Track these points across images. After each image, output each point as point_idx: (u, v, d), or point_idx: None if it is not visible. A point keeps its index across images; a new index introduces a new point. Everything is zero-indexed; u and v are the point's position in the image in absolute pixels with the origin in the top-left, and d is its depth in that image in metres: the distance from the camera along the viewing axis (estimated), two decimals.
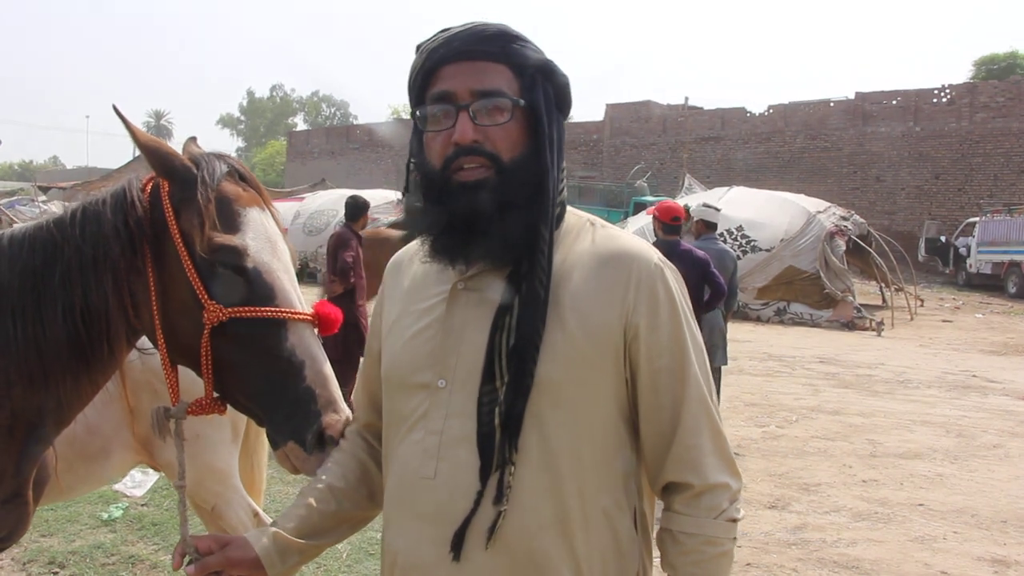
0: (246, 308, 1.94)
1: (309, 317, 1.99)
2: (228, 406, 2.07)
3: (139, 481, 6.52)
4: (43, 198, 34.28)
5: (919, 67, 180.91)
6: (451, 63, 1.68)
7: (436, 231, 1.70)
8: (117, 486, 6.40)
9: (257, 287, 1.97)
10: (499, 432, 1.59)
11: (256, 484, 4.11)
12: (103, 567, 5.18)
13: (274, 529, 1.83)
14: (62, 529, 5.67)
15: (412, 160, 1.78)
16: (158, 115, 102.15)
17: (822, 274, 19.06)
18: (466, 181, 1.64)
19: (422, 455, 1.67)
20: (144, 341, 2.21)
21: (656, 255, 1.71)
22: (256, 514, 3.78)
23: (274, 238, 2.07)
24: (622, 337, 1.64)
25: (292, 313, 1.97)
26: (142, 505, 6.25)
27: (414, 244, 1.86)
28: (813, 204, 21.16)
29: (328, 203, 27.34)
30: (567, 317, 1.62)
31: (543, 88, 1.70)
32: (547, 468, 1.60)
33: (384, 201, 23.61)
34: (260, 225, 2.05)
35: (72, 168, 66.92)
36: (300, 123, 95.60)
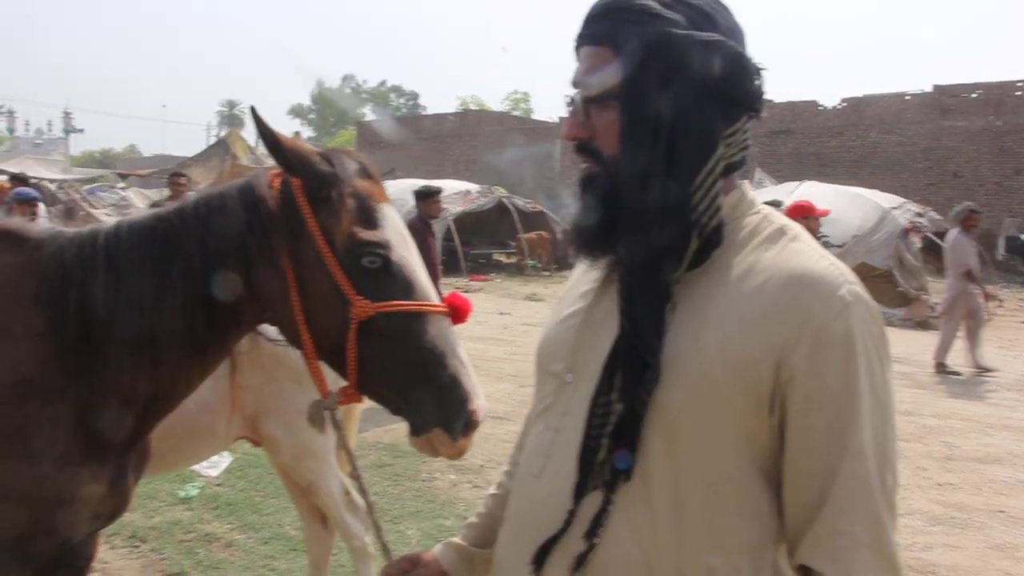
0: (391, 303, 1.99)
1: (446, 309, 2.04)
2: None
3: (214, 461, 6.67)
4: (122, 185, 35.17)
5: (1001, 59, 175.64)
6: (580, 47, 1.53)
7: (577, 222, 1.56)
8: (193, 466, 6.55)
9: (399, 281, 2.03)
10: (604, 451, 1.41)
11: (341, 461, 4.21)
12: (181, 543, 5.33)
13: (457, 541, 1.86)
14: (142, 505, 5.82)
15: None
16: (231, 104, 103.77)
17: (896, 272, 18.63)
18: (582, 175, 1.55)
19: (536, 450, 1.56)
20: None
21: (848, 286, 1.39)
22: (347, 492, 3.87)
23: (405, 232, 2.12)
24: (772, 376, 1.35)
25: (432, 306, 2.02)
26: (217, 485, 6.40)
27: None
28: (887, 200, 20.71)
29: (398, 193, 27.31)
30: (708, 337, 1.38)
31: (656, 70, 1.42)
32: (645, 502, 1.40)
33: (453, 191, 23.71)
34: (395, 220, 2.11)
35: (149, 156, 68.53)
36: (369, 113, 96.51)
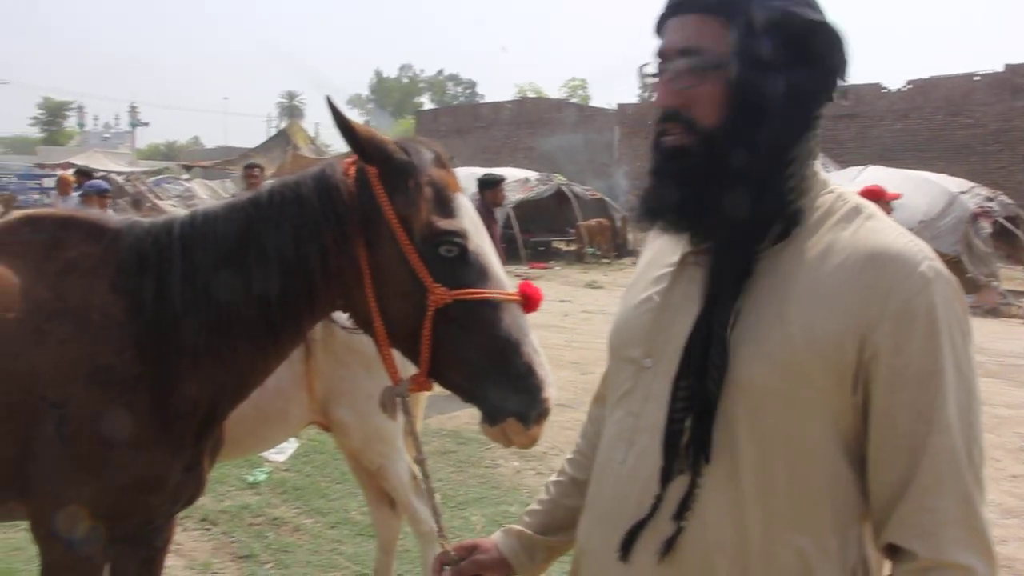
0: (468, 291, 2.01)
1: (519, 297, 2.05)
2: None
3: (281, 447, 6.77)
4: (186, 176, 35.87)
5: None
6: (672, 16, 1.51)
7: (652, 195, 1.55)
8: (260, 452, 6.67)
9: (475, 269, 2.04)
10: (687, 434, 1.41)
11: (409, 446, 4.25)
12: (250, 527, 5.43)
13: (518, 528, 1.86)
14: (212, 489, 5.92)
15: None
16: (291, 95, 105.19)
17: (964, 258, 18.17)
18: (667, 147, 1.49)
19: (617, 436, 1.56)
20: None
21: (928, 262, 1.38)
22: (414, 477, 3.90)
23: (478, 221, 2.13)
24: (855, 354, 1.35)
25: (507, 294, 2.04)
26: (284, 470, 6.50)
27: None
28: (955, 184, 20.19)
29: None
30: (791, 316, 1.38)
31: (770, 45, 1.42)
32: (732, 482, 1.40)
33: (512, 179, 23.71)
34: (469, 209, 2.12)
35: (212, 147, 69.72)
36: (427, 102, 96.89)
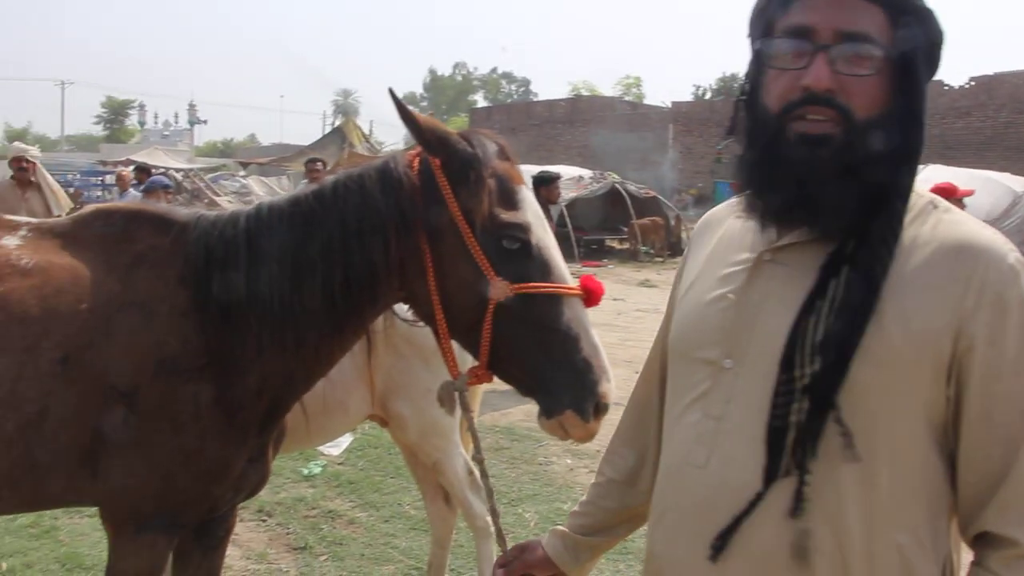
0: (530, 284, 2.00)
1: (580, 291, 2.04)
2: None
3: (336, 441, 6.83)
4: (242, 173, 36.37)
5: None
6: None
7: (758, 184, 1.49)
8: (319, 445, 6.75)
9: (538, 263, 2.04)
10: (794, 431, 1.38)
11: (465, 441, 4.26)
12: (305, 519, 5.48)
13: (563, 529, 1.88)
14: (268, 481, 6.01)
15: (743, 98, 1.54)
16: (346, 93, 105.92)
17: None
18: (808, 133, 1.40)
19: (695, 440, 1.51)
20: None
21: (1014, 254, 1.39)
22: (470, 472, 3.91)
23: (542, 215, 2.12)
24: (950, 346, 1.35)
25: (569, 289, 2.03)
26: (339, 464, 6.56)
27: (726, 204, 1.73)
28: (1021, 183, 19.75)
29: None
30: (886, 312, 1.36)
31: (919, 40, 1.41)
32: (834, 484, 1.38)
33: (566, 177, 23.67)
34: (532, 203, 2.12)
35: (267, 145, 70.66)
36: (480, 100, 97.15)
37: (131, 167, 16.50)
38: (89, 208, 2.54)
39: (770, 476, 1.40)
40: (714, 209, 1.79)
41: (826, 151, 1.39)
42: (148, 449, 2.19)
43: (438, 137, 2.09)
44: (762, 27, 1.49)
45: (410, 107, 2.12)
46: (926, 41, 1.43)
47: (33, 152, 9.27)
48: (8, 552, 4.84)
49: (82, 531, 5.15)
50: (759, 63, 1.50)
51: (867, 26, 1.40)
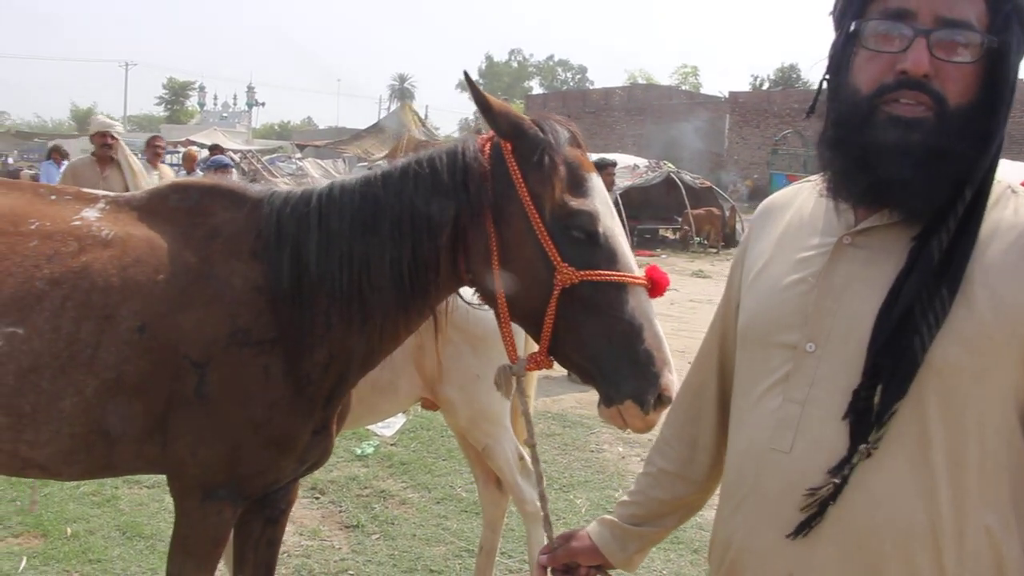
0: (596, 271, 2.01)
1: (645, 281, 2.04)
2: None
3: (389, 422, 6.90)
4: (299, 155, 36.78)
5: None
6: None
7: (843, 166, 1.47)
8: (369, 425, 6.81)
9: (604, 251, 2.04)
10: (879, 413, 1.37)
11: (518, 428, 4.26)
12: (357, 497, 5.55)
13: (611, 518, 1.87)
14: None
15: (827, 77, 1.53)
16: (402, 78, 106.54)
17: None
18: (900, 115, 1.39)
19: (777, 425, 1.49)
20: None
21: None
22: (521, 457, 3.92)
23: (610, 203, 2.13)
24: None
25: (634, 278, 2.03)
26: (391, 445, 6.62)
27: (791, 188, 1.72)
28: None
29: None
30: (976, 294, 1.37)
31: (1016, 31, 1.39)
32: (923, 465, 1.37)
33: (621, 165, 23.55)
34: (602, 190, 2.12)
35: (324, 128, 71.29)
36: (536, 87, 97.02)
37: (208, 146, 16.70)
38: (166, 182, 2.59)
39: (849, 461, 1.39)
40: (777, 193, 1.77)
41: (918, 135, 1.38)
42: (218, 419, 2.23)
43: (511, 122, 2.10)
44: (855, 7, 1.47)
45: (484, 91, 2.12)
46: (1021, 32, 1.41)
47: (118, 128, 8.50)
48: (72, 518, 4.99)
49: (141, 501, 5.28)
50: (849, 43, 1.47)
51: (967, 13, 1.38)
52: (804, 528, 1.42)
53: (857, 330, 1.42)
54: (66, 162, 13.57)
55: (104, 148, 8.07)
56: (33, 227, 2.29)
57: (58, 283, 2.20)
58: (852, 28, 1.46)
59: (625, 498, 1.90)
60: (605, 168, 9.49)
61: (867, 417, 1.38)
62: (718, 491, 1.72)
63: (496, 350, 3.73)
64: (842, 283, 1.47)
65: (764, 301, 1.60)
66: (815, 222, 1.57)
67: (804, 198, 1.64)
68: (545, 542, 1.96)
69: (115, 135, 8.18)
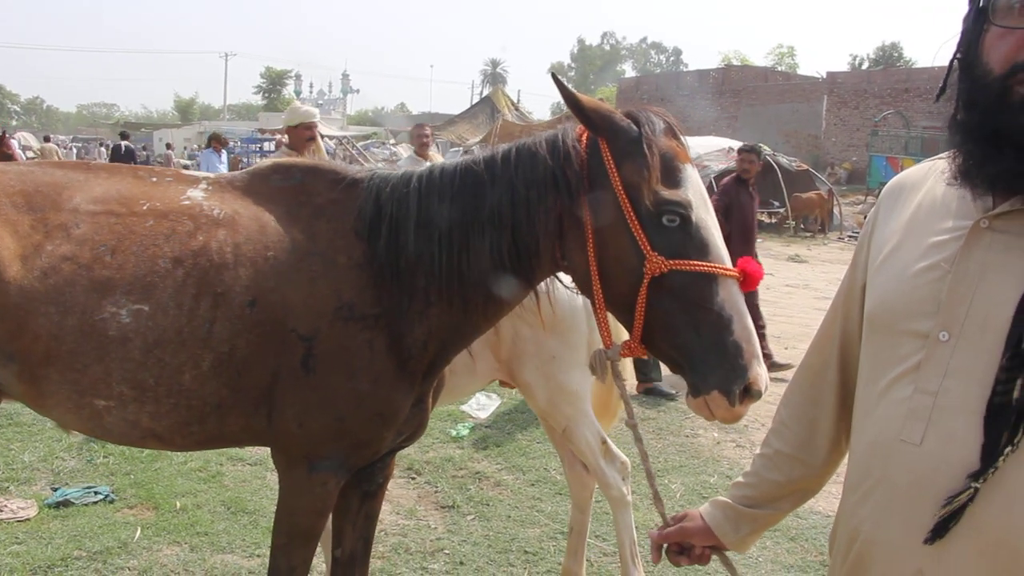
0: (686, 262, 2.01)
1: (737, 273, 2.03)
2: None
3: (483, 404, 6.98)
4: (392, 141, 37.29)
5: None
6: None
7: (975, 149, 1.39)
8: (464, 407, 6.89)
9: (696, 241, 2.04)
10: (1018, 408, 1.29)
11: (611, 407, 4.25)
12: (452, 478, 5.61)
13: (724, 499, 1.87)
14: (418, 441, 6.18)
15: (958, 56, 1.45)
16: (494, 63, 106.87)
17: None
18: None
19: (907, 415, 1.42)
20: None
21: None
22: (604, 441, 3.91)
23: (705, 194, 2.12)
24: None
25: (725, 269, 2.02)
26: (486, 427, 6.68)
27: (921, 167, 1.64)
28: None
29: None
30: None
31: None
32: None
33: (715, 149, 23.20)
34: (696, 181, 2.12)
35: (417, 114, 71.91)
36: (629, 70, 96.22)
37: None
38: (267, 162, 2.66)
39: (988, 456, 1.31)
40: (906, 171, 1.69)
41: None
42: (324, 391, 2.29)
43: (602, 117, 2.12)
44: None
45: (572, 89, 2.14)
46: None
47: (318, 118, 7.13)
48: (181, 492, 5.18)
49: (244, 478, 5.44)
50: (979, 19, 1.40)
51: None
52: (941, 531, 1.35)
53: (995, 319, 1.34)
54: (225, 151, 13.29)
55: (309, 143, 6.71)
56: (145, 208, 2.38)
57: (180, 261, 2.30)
58: (981, 3, 1.38)
59: (739, 479, 1.89)
60: (750, 153, 9.15)
61: (1005, 412, 1.30)
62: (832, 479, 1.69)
63: (573, 332, 3.74)
64: (978, 269, 1.39)
65: (894, 287, 1.52)
66: (948, 204, 1.49)
67: (936, 178, 1.55)
68: (638, 525, 1.95)
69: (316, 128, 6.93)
